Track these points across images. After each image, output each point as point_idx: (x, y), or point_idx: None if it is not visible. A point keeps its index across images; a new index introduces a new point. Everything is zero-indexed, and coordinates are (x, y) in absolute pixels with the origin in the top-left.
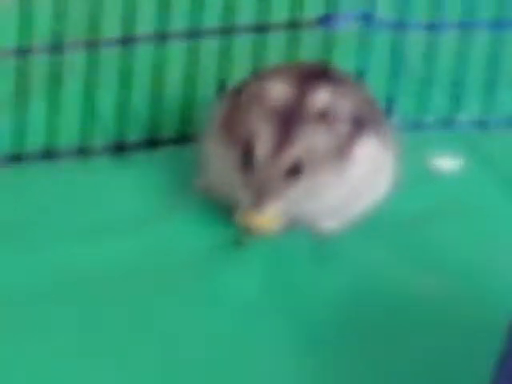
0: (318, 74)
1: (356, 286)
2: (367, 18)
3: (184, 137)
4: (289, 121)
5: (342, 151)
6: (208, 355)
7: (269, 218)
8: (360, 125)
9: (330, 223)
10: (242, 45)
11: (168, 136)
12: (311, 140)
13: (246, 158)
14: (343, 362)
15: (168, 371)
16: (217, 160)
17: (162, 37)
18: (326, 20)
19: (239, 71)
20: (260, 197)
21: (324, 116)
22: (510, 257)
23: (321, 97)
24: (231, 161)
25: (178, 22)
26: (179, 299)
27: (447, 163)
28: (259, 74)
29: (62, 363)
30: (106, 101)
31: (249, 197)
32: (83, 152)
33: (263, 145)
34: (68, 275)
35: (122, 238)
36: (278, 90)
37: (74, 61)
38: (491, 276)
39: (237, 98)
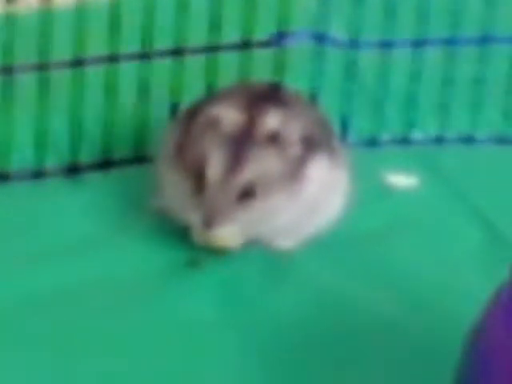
0: (268, 95)
1: (311, 304)
2: (320, 37)
3: (138, 157)
4: (239, 145)
5: (293, 173)
6: (161, 375)
7: (223, 239)
8: (311, 145)
9: (284, 242)
10: (194, 65)
11: (122, 157)
12: (262, 163)
13: (198, 182)
14: (296, 379)
15: None
16: (170, 183)
17: (113, 58)
18: (278, 39)
19: (192, 92)
20: (210, 220)
21: (274, 139)
22: (464, 273)
23: (271, 120)
24: (184, 184)
25: (130, 43)
26: (133, 320)
27: (402, 180)
28: (210, 97)
29: None
30: (59, 122)
31: (199, 220)
32: (36, 174)
33: (214, 169)
34: (19, 297)
35: (74, 260)
36: (228, 115)
37: (25, 83)
38: (445, 292)
39: (188, 122)
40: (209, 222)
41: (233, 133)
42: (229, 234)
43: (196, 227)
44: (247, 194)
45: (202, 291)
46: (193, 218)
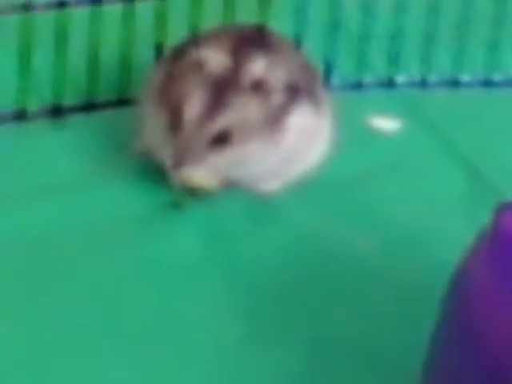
0: (253, 40)
1: (295, 247)
2: None
3: (122, 100)
4: (221, 90)
5: (274, 122)
6: (147, 318)
7: (196, 180)
8: (295, 93)
9: (268, 185)
10: (178, 7)
11: (105, 99)
12: (242, 110)
13: (175, 121)
14: (280, 323)
15: (108, 335)
16: (151, 123)
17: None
18: None
19: (176, 33)
20: (179, 160)
21: (258, 87)
22: (447, 217)
23: (256, 67)
24: (162, 124)
25: None
26: (117, 262)
27: (387, 123)
28: (196, 39)
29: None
30: (42, 64)
31: (170, 158)
32: (20, 116)
33: (192, 110)
34: (4, 237)
35: (57, 202)
36: (213, 58)
37: (9, 23)
38: (429, 235)
39: (172, 63)
40: (178, 162)
41: (216, 76)
42: (201, 175)
43: (167, 166)
44: (222, 139)
45: (185, 233)
46: (165, 156)
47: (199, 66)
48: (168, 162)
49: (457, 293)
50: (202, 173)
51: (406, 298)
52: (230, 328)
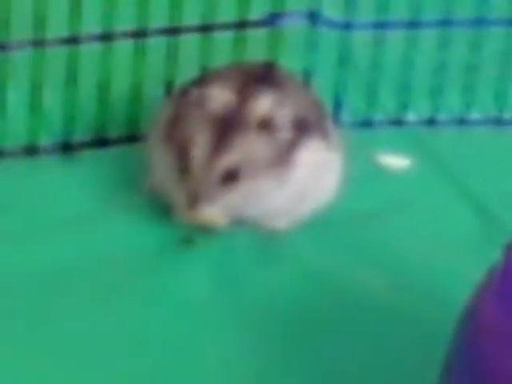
0: (261, 77)
1: (304, 284)
2: (314, 17)
3: (132, 136)
4: (228, 127)
5: (282, 158)
6: (154, 354)
7: (207, 218)
8: (304, 129)
9: (278, 223)
10: (189, 45)
11: (115, 135)
12: (249, 147)
13: (184, 161)
14: (290, 360)
15: (115, 372)
16: (160, 162)
17: (108, 36)
18: (272, 19)
19: (186, 71)
20: (193, 200)
21: (264, 124)
22: (456, 255)
23: (262, 104)
24: (170, 164)
25: (125, 21)
26: (127, 298)
27: (396, 161)
28: (203, 77)
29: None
30: (53, 100)
31: (183, 199)
32: (30, 151)
33: (199, 150)
34: (14, 274)
35: (68, 238)
36: (219, 96)
37: (20, 60)
38: (437, 273)
39: (180, 101)
40: (192, 203)
41: (221, 113)
42: (213, 214)
43: (180, 206)
44: (231, 176)
45: (195, 269)
46: (177, 197)
47: (203, 103)
48: (181, 203)
49: (467, 329)
50: (215, 211)
51: (416, 334)
52: (239, 365)
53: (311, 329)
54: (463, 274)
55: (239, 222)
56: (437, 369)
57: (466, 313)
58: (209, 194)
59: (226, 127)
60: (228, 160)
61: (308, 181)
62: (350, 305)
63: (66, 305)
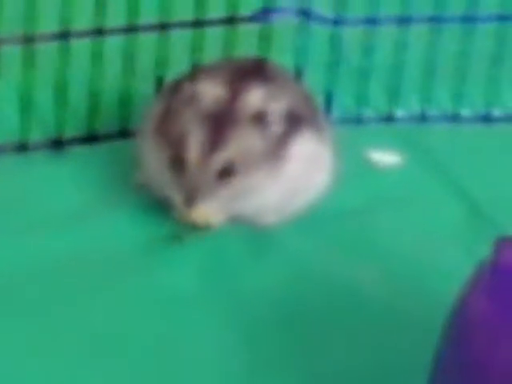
0: (252, 72)
1: (294, 280)
2: (305, 13)
3: (122, 132)
4: (221, 123)
5: (276, 151)
6: (145, 350)
7: (204, 215)
8: (295, 122)
9: (269, 218)
10: (180, 40)
11: (106, 131)
12: (243, 142)
13: (178, 160)
14: (279, 354)
15: (105, 366)
16: (151, 159)
17: (99, 32)
18: (263, 15)
19: (177, 67)
20: (191, 198)
21: (257, 118)
22: (446, 250)
23: (253, 98)
24: (163, 161)
25: (116, 17)
26: (117, 294)
27: (386, 157)
28: (194, 73)
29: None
30: (44, 96)
31: (180, 198)
32: (21, 147)
33: (193, 147)
34: (3, 270)
35: (59, 233)
36: (210, 92)
37: (11, 55)
38: (428, 269)
39: (171, 97)
40: (190, 201)
41: (213, 109)
42: (210, 211)
43: (177, 205)
44: (227, 172)
45: (185, 265)
46: (174, 196)
47: (194, 100)
48: (178, 202)
49: (457, 324)
50: (211, 208)
51: (407, 329)
52: (230, 360)
53: (301, 323)
54: (453, 269)
55: (231, 219)
56: (428, 362)
57: (456, 307)
58: (206, 191)
59: (219, 123)
60: (224, 156)
61: (300, 175)
62: (340, 299)
63: (56, 299)
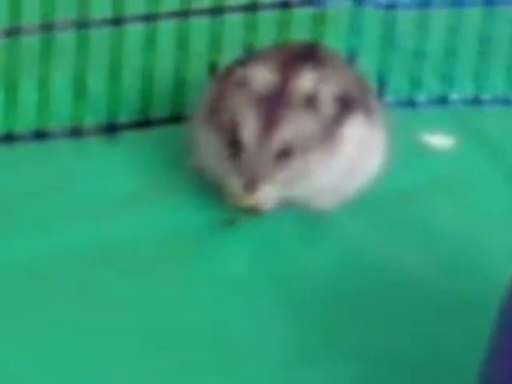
0: (304, 55)
1: (347, 264)
2: None
3: (176, 117)
4: (274, 106)
5: (330, 133)
6: (199, 332)
7: (262, 199)
8: (347, 105)
9: (323, 202)
10: (233, 25)
11: (160, 116)
12: (298, 125)
13: (234, 144)
14: (330, 337)
15: (164, 348)
16: (205, 143)
17: (152, 17)
18: None
19: (230, 52)
20: (251, 182)
21: (309, 101)
22: (501, 232)
23: (305, 82)
24: (219, 146)
25: (169, 2)
26: (173, 277)
27: (440, 140)
28: (247, 58)
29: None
30: (98, 81)
31: (240, 183)
32: (75, 132)
33: (249, 132)
34: (62, 254)
35: (112, 218)
36: (263, 76)
37: (64, 41)
38: (482, 252)
39: (224, 82)
40: (250, 186)
41: (266, 93)
42: (268, 195)
43: (236, 191)
44: (284, 153)
45: (238, 249)
46: (232, 181)
47: (245, 84)
48: (237, 187)
49: (510, 307)
50: (271, 191)
51: (460, 311)
52: (282, 343)
53: (354, 306)
54: (507, 252)
55: (285, 203)
56: (479, 346)
57: (509, 291)
58: (265, 174)
59: (273, 106)
60: (281, 137)
61: (354, 156)
62: (393, 282)
63: (107, 284)
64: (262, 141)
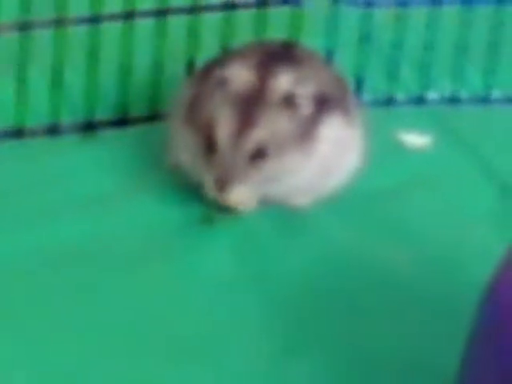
0: (281, 54)
1: (325, 261)
2: None
3: (153, 115)
4: (251, 106)
5: (306, 133)
6: (179, 331)
7: (236, 198)
8: (324, 104)
9: (300, 200)
10: (211, 23)
11: (137, 114)
12: (274, 125)
13: (209, 143)
14: (313, 335)
15: (139, 350)
16: (183, 142)
17: (129, 15)
18: None
19: (208, 50)
20: (223, 182)
21: (286, 101)
22: (478, 229)
23: (282, 82)
24: (196, 145)
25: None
26: (147, 276)
27: (417, 139)
28: (224, 56)
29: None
30: (75, 79)
31: (213, 182)
32: (52, 130)
33: (224, 130)
34: (33, 251)
35: (89, 216)
36: (240, 76)
37: (42, 39)
38: (460, 249)
39: (200, 81)
40: (222, 185)
41: (243, 93)
42: (242, 194)
43: (209, 188)
44: (259, 154)
45: (217, 247)
46: (206, 179)
47: (224, 83)
48: (210, 185)
49: (488, 305)
50: (244, 192)
51: (439, 310)
52: (263, 341)
53: (334, 304)
54: (485, 250)
55: (263, 201)
56: (460, 344)
57: (488, 289)
58: (238, 174)
59: (249, 106)
60: (256, 138)
61: (331, 156)
62: (372, 280)
63: (86, 282)
64: (236, 141)
